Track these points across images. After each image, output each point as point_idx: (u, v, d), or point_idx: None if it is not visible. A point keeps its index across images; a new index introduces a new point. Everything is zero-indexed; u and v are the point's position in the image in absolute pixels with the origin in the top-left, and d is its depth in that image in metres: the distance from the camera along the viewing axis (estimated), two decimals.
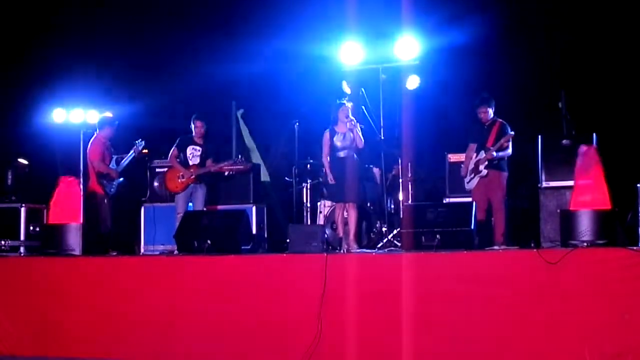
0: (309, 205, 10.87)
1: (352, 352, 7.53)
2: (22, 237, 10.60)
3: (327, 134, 9.49)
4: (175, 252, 8.92)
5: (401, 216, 9.83)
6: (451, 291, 7.35)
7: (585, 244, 7.34)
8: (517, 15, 11.27)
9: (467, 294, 7.30)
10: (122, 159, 10.41)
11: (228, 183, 10.73)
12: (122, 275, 8.52)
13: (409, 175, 10.51)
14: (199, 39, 12.02)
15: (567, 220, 7.61)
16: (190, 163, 10.14)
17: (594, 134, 9.16)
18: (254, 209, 10.52)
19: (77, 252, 8.95)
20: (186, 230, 8.81)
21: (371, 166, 10.66)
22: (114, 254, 9.69)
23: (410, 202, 10.35)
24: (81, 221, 9.26)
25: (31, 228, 10.63)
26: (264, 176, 11.97)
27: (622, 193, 8.46)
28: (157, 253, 10.03)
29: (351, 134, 9.43)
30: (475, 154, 9.24)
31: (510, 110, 9.80)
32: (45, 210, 10.29)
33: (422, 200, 10.53)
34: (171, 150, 10.24)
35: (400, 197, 10.47)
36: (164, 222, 10.53)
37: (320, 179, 10.62)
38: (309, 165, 10.95)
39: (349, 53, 10.69)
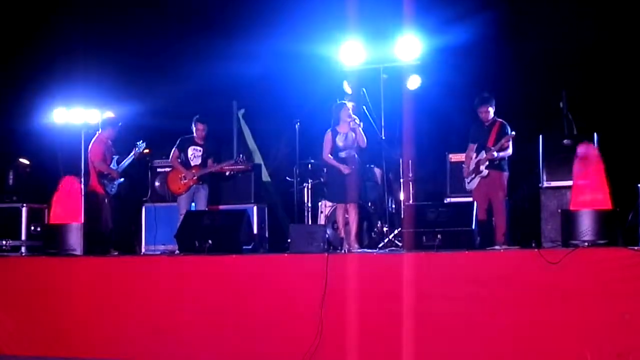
0: (310, 205, 10.87)
1: (353, 351, 7.53)
2: (23, 237, 10.62)
3: (329, 134, 9.48)
4: (177, 252, 8.92)
5: (402, 216, 9.83)
6: (452, 291, 7.35)
7: (586, 244, 7.34)
8: (518, 15, 11.27)
9: (468, 294, 7.30)
10: (124, 159, 10.42)
11: (229, 183, 10.75)
12: (123, 275, 8.53)
13: (410, 175, 10.51)
14: (200, 39, 12.02)
15: (568, 220, 7.61)
16: (192, 164, 10.16)
17: (595, 134, 9.16)
18: (255, 208, 10.54)
19: (78, 252, 8.95)
20: (187, 230, 8.81)
21: (372, 166, 10.66)
22: (115, 253, 9.71)
23: (411, 202, 10.35)
24: (82, 221, 9.26)
25: (32, 228, 10.66)
26: (265, 176, 11.98)
27: (623, 193, 8.46)
28: (158, 253, 10.04)
29: (353, 134, 9.42)
30: (475, 154, 9.25)
31: (512, 110, 9.80)
32: (46, 210, 10.30)
33: (423, 200, 10.52)
34: (172, 152, 10.24)
35: (401, 197, 10.47)
36: (165, 222, 10.55)
37: (322, 179, 10.62)
38: (310, 165, 10.94)
39: (350, 53, 10.70)
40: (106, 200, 10.21)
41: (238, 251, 8.42)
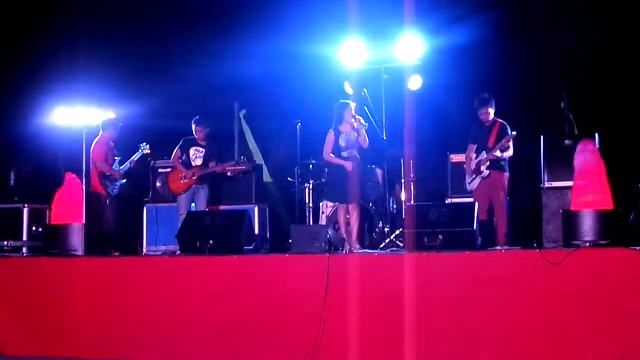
0: (311, 205, 10.88)
1: (354, 352, 7.52)
2: (24, 238, 10.62)
3: (331, 134, 9.44)
4: (178, 252, 8.93)
5: (403, 216, 9.84)
6: (453, 291, 7.35)
7: (587, 244, 7.33)
8: (519, 15, 11.26)
9: (469, 295, 7.30)
10: (126, 160, 10.43)
11: (230, 183, 10.75)
12: (124, 276, 8.52)
13: (411, 175, 10.51)
14: (201, 40, 12.03)
15: (570, 220, 7.60)
16: (193, 164, 10.17)
17: (596, 134, 9.16)
18: (256, 209, 10.54)
19: (80, 252, 8.95)
20: (188, 230, 8.82)
21: (373, 166, 10.66)
22: (117, 254, 9.70)
23: (412, 202, 10.35)
24: (84, 221, 9.26)
25: (34, 228, 10.65)
26: (266, 177, 11.98)
27: (625, 193, 8.45)
28: (160, 253, 10.04)
29: (355, 134, 9.40)
30: (475, 155, 9.24)
31: (513, 110, 9.81)
32: (47, 211, 10.30)
33: (424, 201, 10.53)
34: (174, 151, 10.26)
35: (403, 197, 10.47)
36: (167, 222, 10.55)
37: (323, 179, 10.62)
38: (311, 166, 10.95)
39: (351, 53, 10.70)
40: (107, 201, 10.23)
41: (239, 252, 8.42)
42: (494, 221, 9.12)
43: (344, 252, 9.08)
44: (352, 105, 9.54)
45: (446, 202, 10.02)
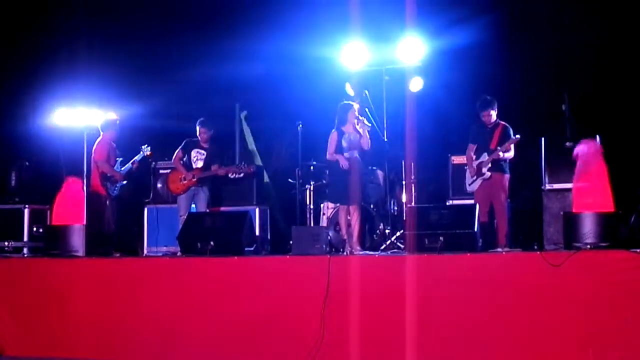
0: (312, 207, 10.87)
1: (355, 353, 7.52)
2: (25, 238, 10.63)
3: (334, 134, 9.43)
4: (178, 253, 8.92)
5: (404, 218, 9.84)
6: (454, 293, 7.34)
7: (588, 246, 7.33)
8: (520, 17, 11.27)
9: (470, 296, 7.29)
10: (127, 162, 10.43)
11: (231, 185, 10.74)
12: (125, 277, 8.52)
13: (412, 177, 10.51)
14: (202, 41, 12.03)
15: (570, 222, 7.60)
16: (194, 166, 10.17)
17: (597, 136, 9.15)
18: (257, 210, 10.55)
19: (81, 253, 8.94)
20: (189, 231, 8.81)
21: (374, 168, 10.66)
22: (117, 255, 9.70)
23: (413, 204, 10.34)
24: (84, 222, 9.26)
25: (34, 229, 10.67)
26: (265, 178, 11.97)
27: (626, 195, 8.45)
28: (160, 254, 10.06)
29: (357, 135, 9.40)
30: (475, 156, 9.24)
31: (514, 112, 9.81)
32: (48, 212, 10.31)
33: (425, 202, 10.53)
34: (176, 152, 10.26)
35: (404, 199, 10.47)
36: (167, 223, 10.57)
37: (324, 181, 10.62)
38: (312, 167, 10.95)
39: (352, 55, 10.71)
40: (108, 202, 10.23)
41: (240, 253, 8.41)
42: (495, 223, 9.12)
43: (345, 253, 9.07)
44: (356, 106, 9.54)
45: (447, 204, 10.03)
